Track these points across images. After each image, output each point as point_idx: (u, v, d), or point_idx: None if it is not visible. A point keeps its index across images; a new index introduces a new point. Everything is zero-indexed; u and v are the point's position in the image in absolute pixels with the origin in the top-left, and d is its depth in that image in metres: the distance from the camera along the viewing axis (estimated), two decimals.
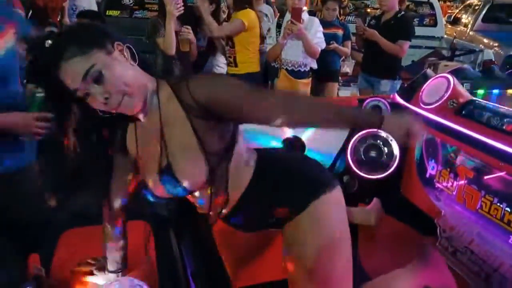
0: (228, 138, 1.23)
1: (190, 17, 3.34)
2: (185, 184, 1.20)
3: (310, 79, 3.53)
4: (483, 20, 7.42)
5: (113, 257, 1.38)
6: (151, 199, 1.28)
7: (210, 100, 1.13)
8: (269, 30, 3.91)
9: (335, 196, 1.31)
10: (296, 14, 3.16)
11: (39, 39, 1.12)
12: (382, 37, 3.55)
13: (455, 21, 8.40)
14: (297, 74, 3.42)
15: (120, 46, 1.13)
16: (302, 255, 1.25)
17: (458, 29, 7.86)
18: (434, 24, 6.75)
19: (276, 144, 2.21)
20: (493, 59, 5.23)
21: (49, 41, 1.09)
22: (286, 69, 3.42)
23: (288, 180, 1.30)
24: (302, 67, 3.41)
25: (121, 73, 1.11)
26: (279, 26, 3.53)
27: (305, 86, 3.47)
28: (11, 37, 1.83)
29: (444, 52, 5.68)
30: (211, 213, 1.33)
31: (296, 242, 1.27)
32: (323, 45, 3.42)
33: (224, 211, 1.33)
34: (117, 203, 1.35)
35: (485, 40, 6.75)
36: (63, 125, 1.19)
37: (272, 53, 3.49)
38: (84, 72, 1.06)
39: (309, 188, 1.29)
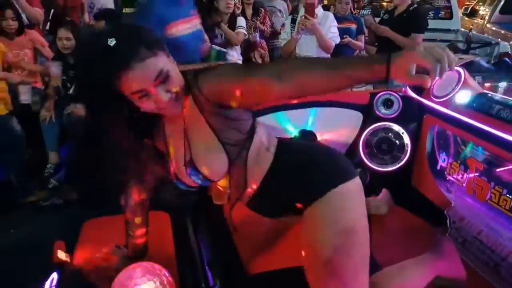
0: (247, 129, 1.26)
1: (206, 15, 3.39)
2: (209, 175, 1.25)
3: None
4: (500, 12, 7.25)
5: (135, 245, 1.45)
6: (183, 188, 1.32)
7: (211, 89, 1.16)
8: (283, 25, 3.92)
9: (354, 186, 1.29)
10: (310, 9, 3.19)
11: (97, 37, 1.08)
12: (394, 32, 3.54)
13: (472, 13, 8.22)
14: None
15: (166, 47, 1.16)
16: (319, 243, 1.24)
17: (475, 21, 7.71)
18: (450, 17, 6.64)
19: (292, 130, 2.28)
20: (510, 52, 5.14)
21: (114, 40, 1.04)
22: None
23: (307, 167, 1.30)
24: None
25: (177, 73, 1.16)
26: (293, 21, 3.54)
27: None
28: (197, 24, 2.46)
29: (460, 45, 5.60)
30: (230, 198, 1.36)
31: (314, 230, 1.26)
32: (337, 40, 3.42)
33: (244, 196, 1.36)
34: (140, 193, 1.41)
35: (503, 32, 6.61)
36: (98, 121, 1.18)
37: (286, 48, 3.49)
38: (157, 73, 1.08)
39: (328, 176, 1.27)
